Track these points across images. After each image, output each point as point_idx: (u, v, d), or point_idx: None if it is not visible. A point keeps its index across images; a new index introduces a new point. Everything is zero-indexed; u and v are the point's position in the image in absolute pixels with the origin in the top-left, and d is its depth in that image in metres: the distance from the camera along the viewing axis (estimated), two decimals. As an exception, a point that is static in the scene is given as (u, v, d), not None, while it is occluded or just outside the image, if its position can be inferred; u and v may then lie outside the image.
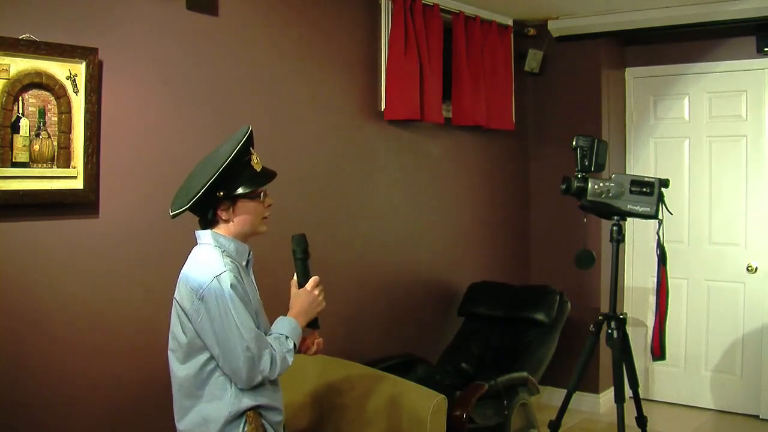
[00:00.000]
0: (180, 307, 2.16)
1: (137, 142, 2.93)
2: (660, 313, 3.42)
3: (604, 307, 4.40)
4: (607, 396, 4.79)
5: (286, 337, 2.17)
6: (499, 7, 4.60)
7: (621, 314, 3.44)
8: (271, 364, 2.09)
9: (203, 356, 2.13)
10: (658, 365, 4.89)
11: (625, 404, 3.34)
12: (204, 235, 2.21)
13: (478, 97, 4.45)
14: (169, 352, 2.22)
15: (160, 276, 3.01)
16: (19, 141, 2.55)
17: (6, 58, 2.49)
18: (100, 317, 2.81)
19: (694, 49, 4.81)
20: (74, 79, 2.67)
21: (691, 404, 4.89)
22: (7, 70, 2.50)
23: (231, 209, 2.17)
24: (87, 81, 2.69)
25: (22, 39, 2.52)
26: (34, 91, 2.59)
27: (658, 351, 3.40)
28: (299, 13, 3.61)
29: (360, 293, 3.97)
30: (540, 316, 4.16)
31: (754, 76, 4.65)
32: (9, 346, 2.56)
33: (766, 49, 4.53)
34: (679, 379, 4.95)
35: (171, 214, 2.17)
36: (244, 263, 2.24)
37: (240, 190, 2.15)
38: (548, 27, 4.94)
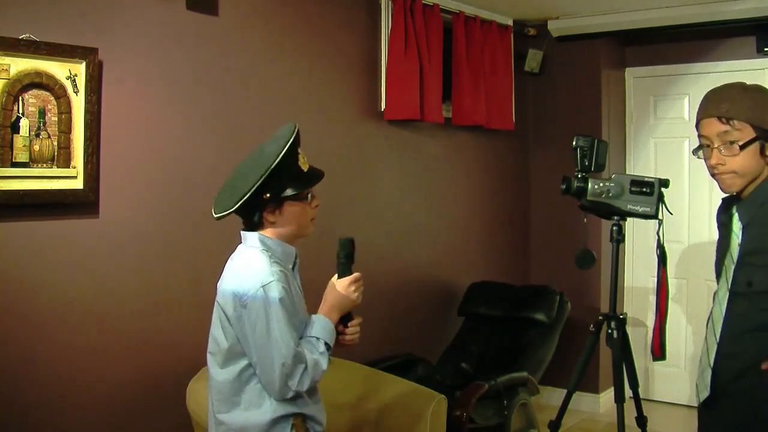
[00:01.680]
0: (222, 311, 2.08)
1: (137, 142, 2.93)
2: (660, 313, 3.42)
3: (604, 307, 4.40)
4: (607, 396, 4.79)
5: (317, 338, 2.10)
6: (499, 7, 4.60)
7: (621, 314, 3.44)
8: (302, 376, 2.02)
9: (243, 362, 2.06)
10: (658, 365, 4.89)
11: (625, 404, 3.34)
12: (251, 237, 2.12)
13: (478, 97, 4.45)
14: (208, 354, 2.15)
15: (160, 276, 3.01)
16: (19, 141, 2.55)
17: (6, 58, 2.49)
18: (100, 317, 2.81)
19: (694, 49, 4.81)
20: (74, 79, 2.67)
21: (691, 404, 4.88)
22: (7, 70, 2.50)
23: (278, 211, 2.09)
24: (87, 81, 2.69)
25: (22, 39, 2.52)
26: (34, 91, 2.59)
27: (658, 351, 3.40)
28: (299, 13, 3.61)
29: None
30: (540, 316, 4.16)
31: (754, 76, 4.63)
32: (9, 345, 2.56)
33: (766, 49, 4.53)
34: (679, 379, 4.94)
35: (215, 216, 2.08)
36: (290, 266, 2.16)
37: (287, 192, 2.07)
38: (548, 27, 4.94)
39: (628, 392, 3.46)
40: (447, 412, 3.05)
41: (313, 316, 2.17)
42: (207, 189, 3.19)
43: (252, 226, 2.13)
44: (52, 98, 2.63)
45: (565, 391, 3.55)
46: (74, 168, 2.69)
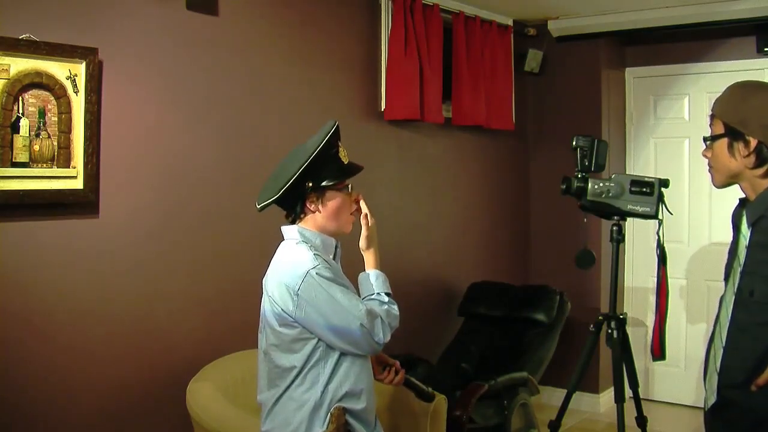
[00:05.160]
0: (280, 308, 2.13)
1: (137, 142, 2.93)
2: (660, 313, 3.42)
3: (604, 307, 4.40)
4: (607, 396, 4.79)
5: (378, 293, 2.21)
6: (499, 7, 4.60)
7: (621, 314, 3.44)
8: (383, 328, 2.12)
9: (307, 348, 2.13)
10: (658, 365, 4.89)
11: (625, 404, 3.34)
12: (290, 230, 2.22)
13: (478, 97, 4.45)
14: (269, 346, 2.19)
15: (161, 276, 3.01)
16: (19, 141, 2.55)
17: (6, 58, 2.49)
18: (99, 317, 2.81)
19: (694, 49, 4.81)
20: (74, 79, 2.67)
21: (691, 404, 4.88)
22: (7, 70, 2.50)
23: (319, 201, 2.18)
24: (87, 81, 2.69)
25: (22, 39, 2.52)
26: (34, 91, 2.59)
27: (658, 351, 3.40)
28: (299, 13, 3.61)
29: (360, 293, 3.96)
30: (540, 316, 4.16)
31: (753, 77, 4.58)
32: (8, 346, 2.56)
33: (766, 49, 4.52)
34: (679, 379, 4.94)
35: (258, 206, 2.18)
36: (331, 256, 2.23)
37: (327, 182, 2.17)
38: (548, 27, 4.94)
39: (628, 392, 3.46)
40: (447, 412, 3.04)
41: (362, 274, 2.26)
42: (207, 189, 3.20)
43: (294, 217, 2.22)
44: (52, 98, 2.63)
45: (565, 391, 3.55)
46: (74, 168, 2.69)
